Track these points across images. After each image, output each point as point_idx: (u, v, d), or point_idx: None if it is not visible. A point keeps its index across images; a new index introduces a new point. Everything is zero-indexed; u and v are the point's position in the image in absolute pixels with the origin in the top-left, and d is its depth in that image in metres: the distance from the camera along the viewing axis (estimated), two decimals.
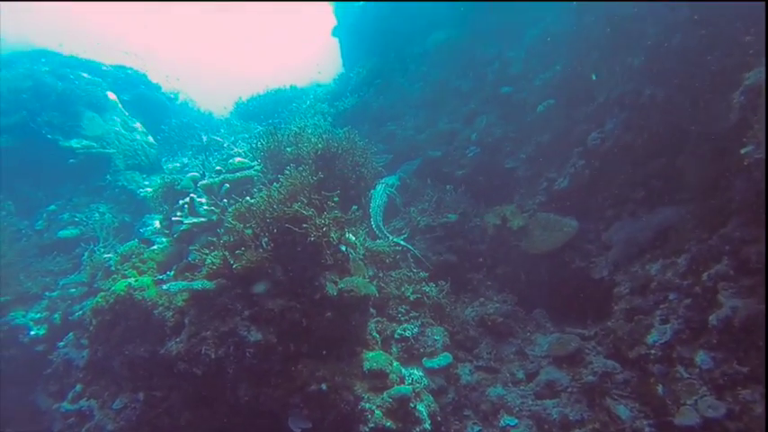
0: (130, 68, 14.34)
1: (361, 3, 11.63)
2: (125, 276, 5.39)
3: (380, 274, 6.21)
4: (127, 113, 12.64)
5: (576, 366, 5.22)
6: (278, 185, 4.81)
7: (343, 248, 5.20)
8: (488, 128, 8.40)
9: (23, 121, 10.40)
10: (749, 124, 4.07)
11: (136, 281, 5.15)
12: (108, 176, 10.42)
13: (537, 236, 6.59)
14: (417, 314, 5.78)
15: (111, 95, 12.64)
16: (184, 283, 4.68)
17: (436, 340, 5.49)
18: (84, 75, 12.26)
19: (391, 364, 4.97)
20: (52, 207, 9.81)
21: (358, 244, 6.13)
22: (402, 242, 6.69)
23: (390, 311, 5.82)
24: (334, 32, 14.89)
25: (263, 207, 4.69)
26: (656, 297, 5.14)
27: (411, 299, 5.92)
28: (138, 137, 12.04)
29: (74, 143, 10.42)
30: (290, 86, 13.06)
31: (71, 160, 10.25)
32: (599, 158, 6.55)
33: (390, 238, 6.57)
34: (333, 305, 4.87)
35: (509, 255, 6.82)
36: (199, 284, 4.61)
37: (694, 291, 4.73)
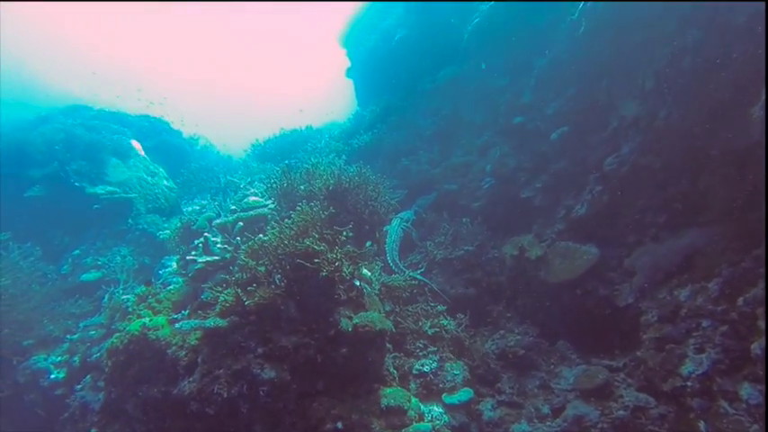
0: (154, 117, 15.04)
1: (371, 44, 12.02)
2: (140, 317, 5.39)
3: (397, 309, 6.08)
4: (149, 159, 13.14)
5: (606, 400, 4.89)
6: (289, 221, 4.81)
7: (358, 283, 5.12)
8: (502, 158, 8.37)
9: (55, 172, 10.93)
10: None
11: (150, 320, 5.14)
12: (130, 220, 10.70)
13: (556, 265, 6.38)
14: (436, 349, 5.58)
15: (135, 143, 13.21)
16: (197, 321, 4.65)
17: (456, 375, 5.26)
18: (112, 125, 12.91)
19: (409, 401, 4.76)
20: (77, 251, 10.09)
21: (373, 279, 6.05)
22: (419, 276, 6.56)
23: (408, 346, 5.64)
24: (348, 74, 15.39)
25: (274, 243, 4.69)
26: (687, 324, 4.85)
27: (429, 333, 5.74)
28: (159, 181, 12.46)
29: (98, 189, 10.81)
30: (306, 127, 13.37)
31: (95, 206, 10.61)
32: (617, 183, 6.39)
33: (406, 272, 6.46)
34: (348, 341, 4.76)
35: (529, 285, 6.60)
36: (211, 322, 4.56)
37: (730, 317, 4.45)
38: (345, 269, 4.65)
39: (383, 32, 11.81)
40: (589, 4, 6.33)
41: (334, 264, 4.53)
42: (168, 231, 7.75)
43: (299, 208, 4.99)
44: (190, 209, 11.94)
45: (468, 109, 9.60)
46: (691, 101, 5.21)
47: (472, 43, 9.06)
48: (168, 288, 6.48)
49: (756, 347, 4.00)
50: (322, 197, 5.33)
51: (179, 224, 7.20)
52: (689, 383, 4.41)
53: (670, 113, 5.51)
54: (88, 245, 10.31)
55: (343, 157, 9.78)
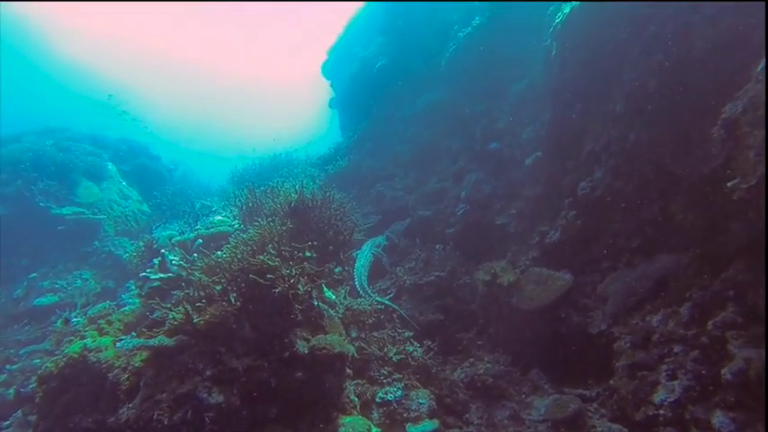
0: (133, 140, 14.86)
1: (353, 71, 12.21)
2: (84, 338, 5.00)
3: (363, 335, 5.79)
4: (124, 182, 12.87)
5: (578, 430, 4.61)
6: (245, 236, 4.59)
7: (317, 303, 4.87)
8: (477, 184, 8.34)
9: (18, 191, 10.57)
10: (733, 157, 3.92)
11: (93, 341, 4.76)
12: (96, 242, 10.35)
13: (529, 291, 6.21)
14: (401, 376, 5.29)
15: (111, 166, 12.96)
16: (140, 339, 4.31)
17: (421, 404, 4.94)
18: (87, 146, 12.69)
19: (369, 430, 4.44)
20: (33, 275, 9.60)
21: (338, 302, 5.80)
22: (386, 301, 6.33)
23: (372, 373, 5.32)
24: (331, 104, 15.59)
25: (229, 259, 4.45)
26: (659, 350, 4.67)
27: (394, 360, 5.45)
28: (132, 205, 12.16)
29: (65, 210, 10.47)
30: (284, 151, 13.31)
31: (60, 227, 10.22)
32: (590, 208, 6.34)
33: (373, 296, 6.22)
34: (304, 364, 4.46)
35: (501, 312, 6.39)
36: (156, 341, 4.23)
37: (701, 341, 4.30)
38: (301, 287, 4.40)
39: (364, 61, 12.05)
40: (559, 26, 6.45)
41: (290, 281, 4.28)
42: (129, 251, 7.42)
43: (256, 223, 4.78)
44: (163, 233, 11.63)
45: (445, 135, 9.68)
46: (658, 124, 5.24)
47: (450, 70, 9.21)
48: (122, 309, 6.12)
49: (727, 373, 3.82)
50: (283, 213, 5.12)
51: (142, 244, 6.92)
52: (661, 412, 4.18)
53: (639, 137, 5.53)
54: (48, 267, 9.85)
55: (318, 182, 9.68)
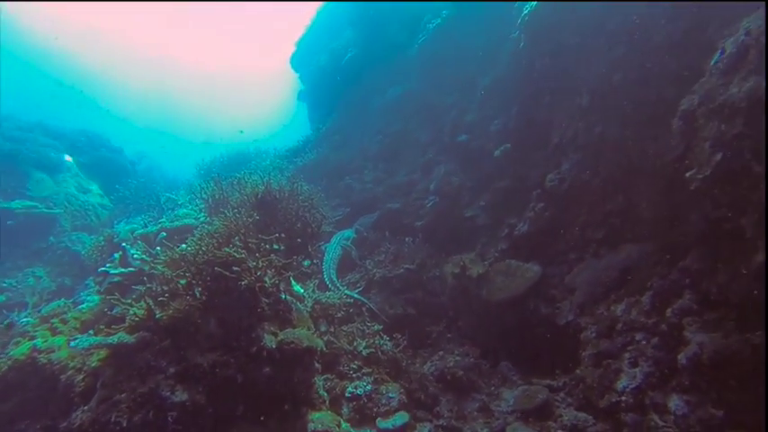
0: (92, 132, 14.18)
1: (322, 63, 12.03)
2: (33, 338, 4.72)
3: (332, 329, 5.72)
4: (82, 175, 12.27)
5: (545, 420, 4.71)
6: (211, 228, 4.44)
7: (284, 297, 4.77)
8: (446, 177, 8.38)
9: None
10: (691, 148, 4.05)
11: (44, 341, 4.50)
12: (51, 238, 9.82)
13: (498, 283, 6.29)
14: (371, 370, 5.25)
15: (68, 158, 12.32)
16: (98, 337, 4.09)
17: (391, 398, 4.92)
18: (39, 137, 12.00)
19: (339, 425, 4.39)
20: None
21: (306, 296, 5.71)
22: (355, 295, 6.28)
23: (341, 368, 5.27)
24: (299, 96, 15.33)
25: (193, 251, 4.29)
26: (623, 339, 4.81)
27: (364, 354, 5.41)
28: (92, 198, 11.61)
29: (14, 204, 9.87)
30: (252, 142, 13.04)
31: (9, 222, 9.63)
32: (558, 200, 6.47)
33: (342, 289, 6.16)
34: (272, 359, 4.35)
35: (470, 305, 6.44)
36: (115, 339, 4.03)
37: (660, 329, 4.45)
38: (268, 279, 4.29)
39: (333, 52, 11.89)
40: (526, 17, 6.52)
41: (256, 273, 4.16)
42: (88, 246, 7.06)
43: (222, 214, 4.63)
44: (127, 227, 11.16)
45: (415, 127, 9.67)
46: (622, 116, 5.38)
47: (420, 62, 9.18)
48: (79, 307, 5.83)
49: (682, 358, 3.97)
50: (249, 205, 4.98)
51: (102, 239, 6.61)
52: (623, 398, 4.32)
53: (604, 130, 5.66)
54: None
55: (287, 174, 9.50)
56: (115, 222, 11.29)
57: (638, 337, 4.64)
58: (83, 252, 9.58)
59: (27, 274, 8.94)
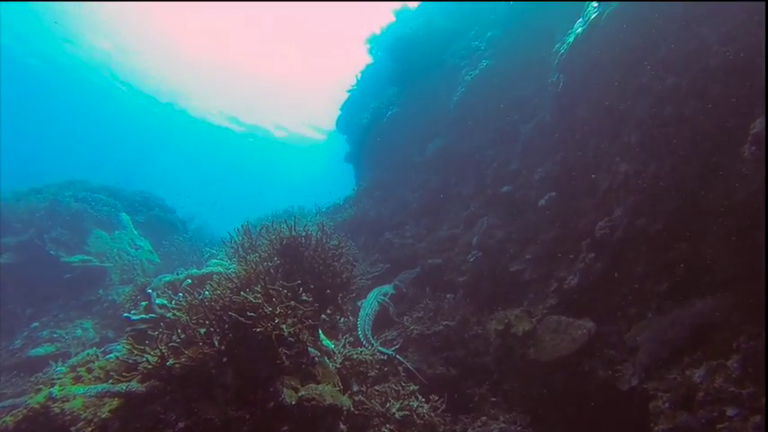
0: (148, 193, 15.13)
1: (364, 122, 12.34)
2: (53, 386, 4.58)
3: (363, 388, 5.20)
4: (137, 233, 12.89)
5: None
6: (227, 273, 4.26)
7: (309, 350, 4.40)
8: (489, 230, 7.93)
9: (30, 239, 10.63)
10: None
11: (61, 390, 4.33)
12: (100, 291, 10.13)
13: (547, 341, 5.59)
14: None
15: (125, 216, 13.07)
16: (104, 385, 3.88)
17: None
18: (102, 197, 12.90)
19: None
20: (35, 324, 9.35)
21: (336, 351, 5.29)
22: (390, 352, 5.77)
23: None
24: (346, 158, 15.73)
25: (211, 296, 4.09)
26: (707, 413, 3.96)
27: (397, 416, 4.81)
28: (142, 255, 12.07)
29: (73, 258, 10.39)
30: (297, 204, 13.28)
31: (67, 275, 10.11)
32: (611, 250, 5.83)
33: (375, 345, 5.69)
34: (290, 417, 3.94)
35: (517, 366, 5.74)
36: (123, 387, 3.79)
37: (761, 403, 3.61)
38: (286, 327, 3.96)
39: (374, 111, 12.23)
40: (564, 55, 6.29)
41: (274, 320, 3.86)
42: (122, 296, 7.12)
43: (244, 260, 4.46)
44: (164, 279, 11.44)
45: (456, 180, 9.42)
46: (679, 152, 4.85)
47: (459, 114, 9.12)
48: (107, 356, 5.72)
49: None
50: (273, 251, 4.78)
51: (135, 288, 6.66)
52: None
53: (659, 169, 5.13)
54: (50, 317, 9.61)
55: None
56: (159, 276, 11.62)
57: (729, 412, 3.79)
58: (118, 302, 9.81)
59: (76, 325, 9.16)
